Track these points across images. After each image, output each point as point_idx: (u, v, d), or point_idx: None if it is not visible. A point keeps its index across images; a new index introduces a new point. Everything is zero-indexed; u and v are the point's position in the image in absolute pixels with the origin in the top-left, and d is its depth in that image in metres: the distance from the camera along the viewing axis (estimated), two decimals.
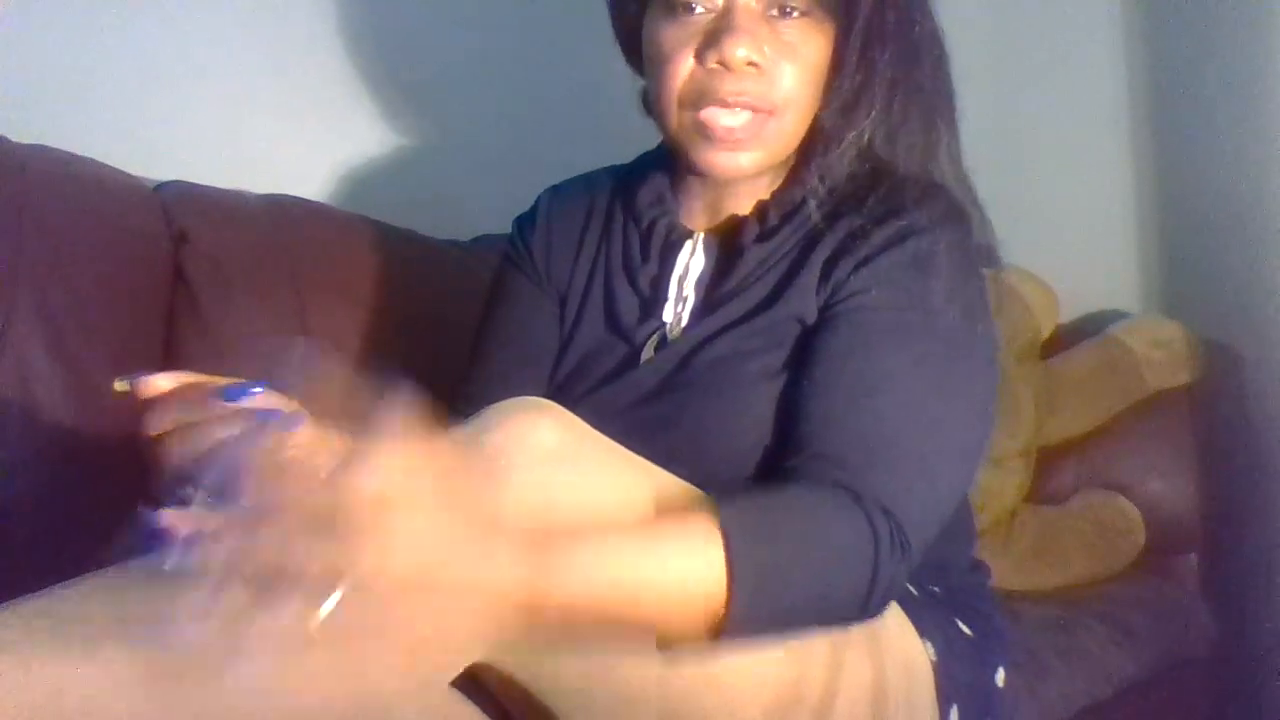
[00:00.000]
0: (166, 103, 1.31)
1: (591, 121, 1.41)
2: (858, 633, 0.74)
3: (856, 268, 0.81)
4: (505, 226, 1.02)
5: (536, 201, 1.01)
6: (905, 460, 0.74)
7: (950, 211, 0.83)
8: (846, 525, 0.69)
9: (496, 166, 1.43)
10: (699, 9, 0.82)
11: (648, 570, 0.62)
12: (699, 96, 0.81)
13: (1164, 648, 1.34)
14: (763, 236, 0.86)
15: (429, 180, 1.49)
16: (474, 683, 0.70)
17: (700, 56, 0.81)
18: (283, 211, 1.26)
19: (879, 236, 0.81)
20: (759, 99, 0.81)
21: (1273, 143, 1.42)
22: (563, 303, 0.95)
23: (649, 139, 0.96)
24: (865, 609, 0.70)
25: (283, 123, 1.39)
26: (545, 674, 0.67)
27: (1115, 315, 1.64)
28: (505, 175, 1.22)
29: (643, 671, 0.66)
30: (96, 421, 1.03)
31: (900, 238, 0.81)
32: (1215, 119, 1.53)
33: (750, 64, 0.80)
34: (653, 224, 0.91)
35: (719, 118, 0.81)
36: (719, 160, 0.83)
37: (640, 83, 0.92)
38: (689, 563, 0.63)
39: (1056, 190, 1.67)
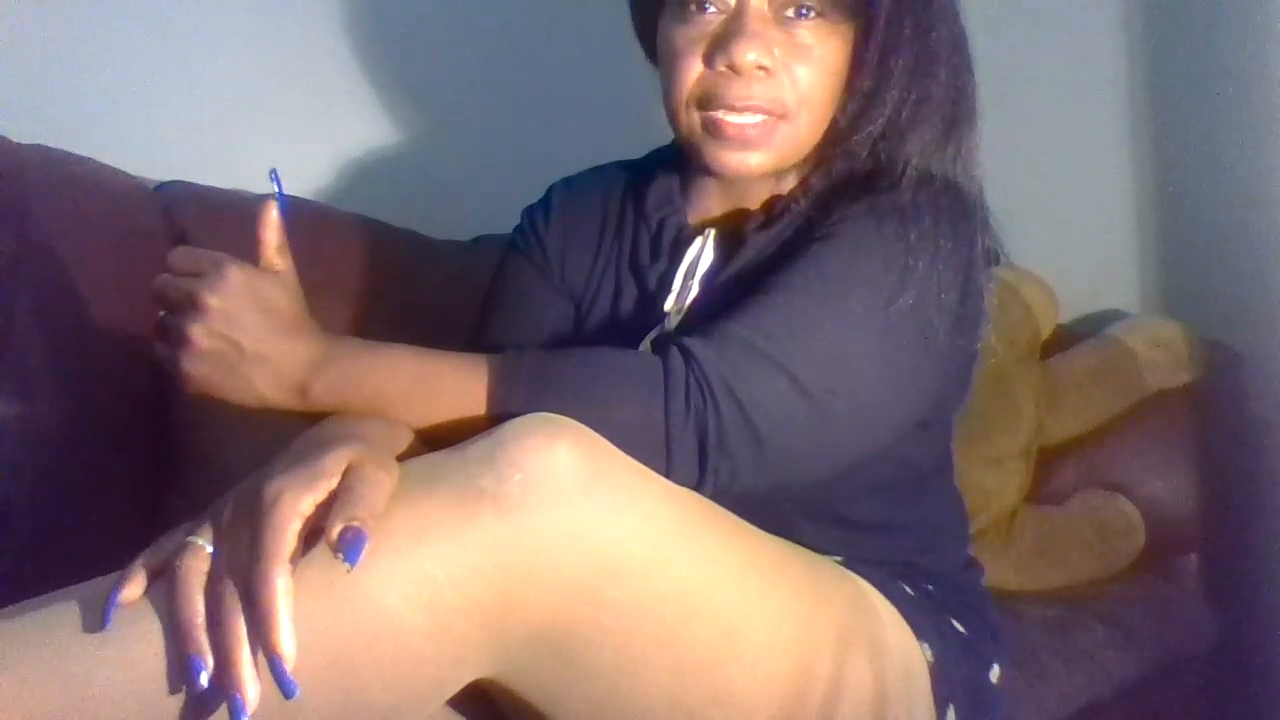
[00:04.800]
0: (166, 103, 1.31)
1: (591, 121, 1.41)
2: (859, 641, 0.74)
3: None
4: (505, 226, 1.02)
5: (548, 193, 0.99)
6: (740, 344, 0.72)
7: (946, 189, 0.81)
8: (633, 356, 0.72)
9: (496, 166, 1.43)
10: (711, 9, 0.81)
11: (423, 366, 0.70)
12: (707, 100, 0.81)
13: (1164, 648, 1.34)
14: (765, 225, 0.85)
15: (429, 180, 1.49)
16: (482, 702, 0.70)
17: (709, 59, 0.80)
18: None
19: (865, 202, 0.80)
20: (768, 102, 0.80)
21: (1273, 143, 1.42)
22: (577, 305, 0.94)
23: (650, 138, 0.96)
24: (673, 440, 0.68)
25: (283, 123, 1.39)
26: (555, 694, 0.67)
27: (1115, 315, 1.64)
28: (505, 175, 1.22)
29: (652, 689, 0.66)
30: (96, 422, 1.04)
31: (885, 195, 0.80)
32: (1215, 119, 1.53)
33: (759, 68, 0.79)
34: (662, 223, 0.90)
35: (728, 118, 0.80)
36: (729, 159, 0.82)
37: (649, 75, 0.91)
38: (460, 363, 0.71)
39: (1056, 190, 1.66)
